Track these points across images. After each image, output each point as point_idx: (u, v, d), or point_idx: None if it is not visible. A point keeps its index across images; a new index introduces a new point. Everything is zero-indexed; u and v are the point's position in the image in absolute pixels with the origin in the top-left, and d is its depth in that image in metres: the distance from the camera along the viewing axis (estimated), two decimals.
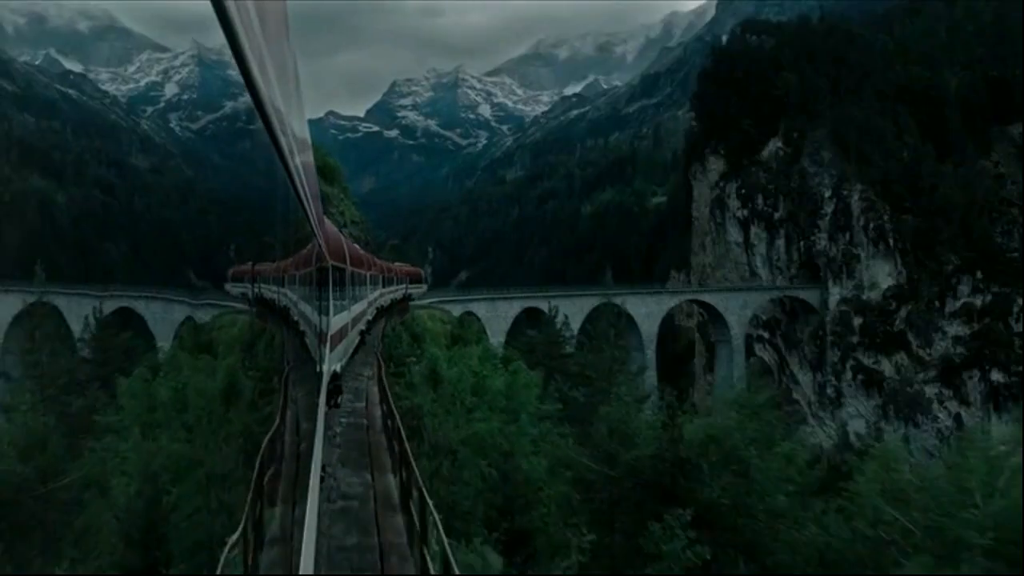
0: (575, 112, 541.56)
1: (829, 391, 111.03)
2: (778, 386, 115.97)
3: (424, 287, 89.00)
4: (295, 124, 5.41)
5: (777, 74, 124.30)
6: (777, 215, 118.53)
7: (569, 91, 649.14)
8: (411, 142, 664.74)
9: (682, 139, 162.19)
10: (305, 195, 6.43)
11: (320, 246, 11.42)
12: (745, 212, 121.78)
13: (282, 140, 4.20)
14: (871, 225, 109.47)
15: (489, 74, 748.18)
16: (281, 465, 5.20)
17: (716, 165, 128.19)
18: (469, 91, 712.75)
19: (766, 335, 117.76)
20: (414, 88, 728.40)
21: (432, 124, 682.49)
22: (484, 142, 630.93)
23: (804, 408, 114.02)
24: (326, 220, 19.34)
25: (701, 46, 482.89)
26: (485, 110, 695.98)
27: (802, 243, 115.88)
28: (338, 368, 19.22)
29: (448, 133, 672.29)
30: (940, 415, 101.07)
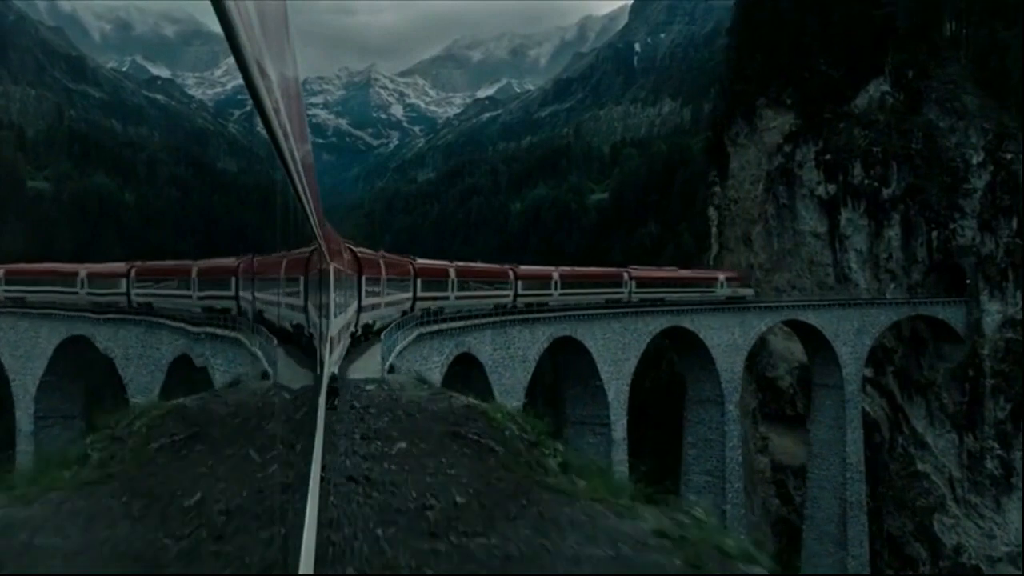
0: (487, 115, 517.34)
1: (989, 465, 66.01)
2: (888, 451, 70.73)
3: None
4: (296, 125, 4.79)
5: None
6: (888, 191, 73.15)
7: (482, 94, 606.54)
8: (322, 141, 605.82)
9: (718, 84, 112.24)
10: (305, 195, 5.48)
11: (321, 247, 9.15)
12: (831, 188, 76.07)
13: (283, 142, 3.90)
14: None
15: (402, 74, 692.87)
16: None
17: (778, 121, 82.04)
18: (381, 91, 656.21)
19: (868, 373, 71.90)
20: (325, 87, 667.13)
21: (343, 123, 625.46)
22: (396, 142, 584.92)
23: (940, 488, 68.69)
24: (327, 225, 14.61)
25: (613, 52, 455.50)
26: (397, 110, 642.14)
27: (934, 233, 70.71)
28: (335, 370, 15.58)
29: (359, 133, 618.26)
30: None
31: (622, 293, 55.90)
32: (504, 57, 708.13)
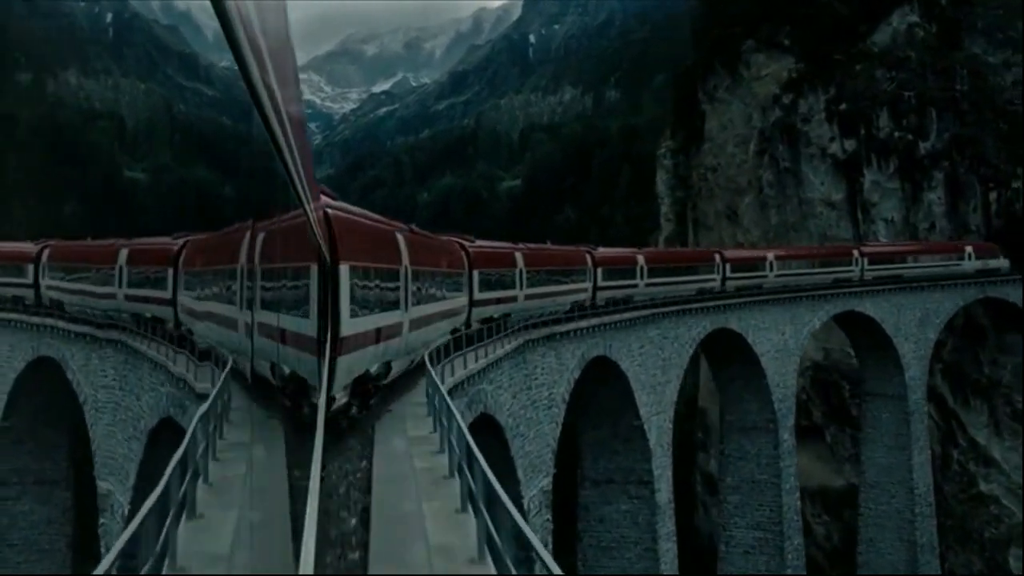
0: (384, 109, 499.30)
1: None
2: (942, 469, 55.08)
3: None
4: (295, 126, 4.80)
5: None
6: (926, 145, 57.33)
7: (377, 88, 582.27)
8: None
9: (687, 36, 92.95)
10: (305, 196, 5.44)
11: (320, 244, 9.60)
12: (849, 144, 59.98)
13: (282, 142, 3.85)
14: None
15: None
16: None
17: (772, 68, 65.39)
18: None
19: None
20: None
21: None
22: None
23: (1015, 514, 53.17)
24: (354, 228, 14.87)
25: (508, 44, 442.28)
26: None
27: (991, 194, 55.24)
28: (372, 370, 14.83)
29: None
30: None
31: (852, 271, 50.74)
32: (399, 51, 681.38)
